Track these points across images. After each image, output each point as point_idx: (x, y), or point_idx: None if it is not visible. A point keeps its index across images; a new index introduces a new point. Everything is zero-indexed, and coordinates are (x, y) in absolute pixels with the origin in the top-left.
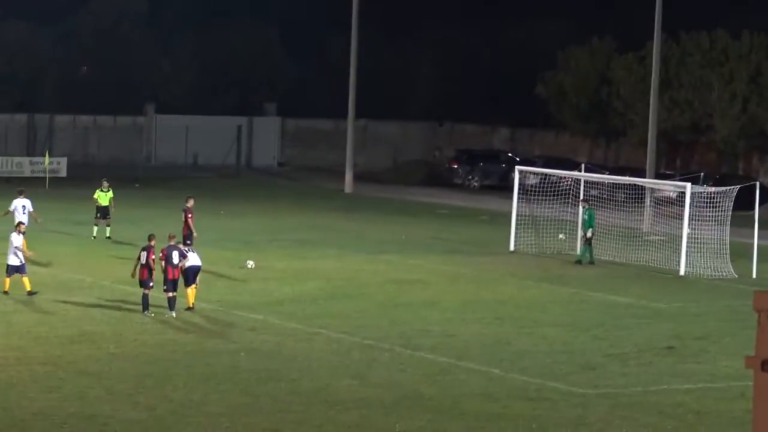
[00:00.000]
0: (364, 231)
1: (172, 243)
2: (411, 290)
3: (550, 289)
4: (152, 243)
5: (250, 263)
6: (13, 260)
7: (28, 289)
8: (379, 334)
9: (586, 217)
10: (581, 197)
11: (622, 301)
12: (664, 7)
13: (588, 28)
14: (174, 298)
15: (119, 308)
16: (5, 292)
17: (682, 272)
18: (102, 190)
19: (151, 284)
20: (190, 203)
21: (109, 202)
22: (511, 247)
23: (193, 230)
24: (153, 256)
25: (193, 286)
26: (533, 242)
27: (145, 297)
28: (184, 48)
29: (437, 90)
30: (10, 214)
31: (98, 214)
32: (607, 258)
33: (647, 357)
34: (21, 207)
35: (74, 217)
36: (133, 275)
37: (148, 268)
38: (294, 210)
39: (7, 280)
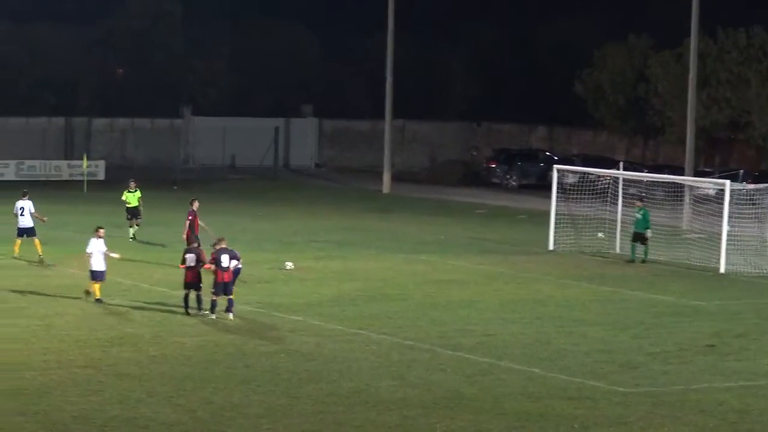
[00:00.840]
0: (402, 231)
1: (223, 246)
2: (450, 290)
3: (590, 288)
4: (195, 244)
5: (289, 264)
6: (97, 265)
7: (97, 296)
8: (419, 334)
9: (639, 216)
10: (636, 196)
11: (662, 300)
12: (700, 4)
13: (624, 25)
14: (217, 301)
15: (159, 310)
16: (98, 300)
17: (722, 270)
18: (130, 191)
19: (200, 286)
20: (195, 206)
21: (138, 201)
22: (550, 247)
23: (194, 230)
24: (207, 263)
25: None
26: (572, 241)
27: (185, 298)
28: (221, 50)
29: (474, 89)
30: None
31: (129, 215)
32: (646, 256)
33: (688, 355)
34: (19, 209)
35: (112, 220)
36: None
37: (196, 270)
38: (332, 211)
39: (95, 285)
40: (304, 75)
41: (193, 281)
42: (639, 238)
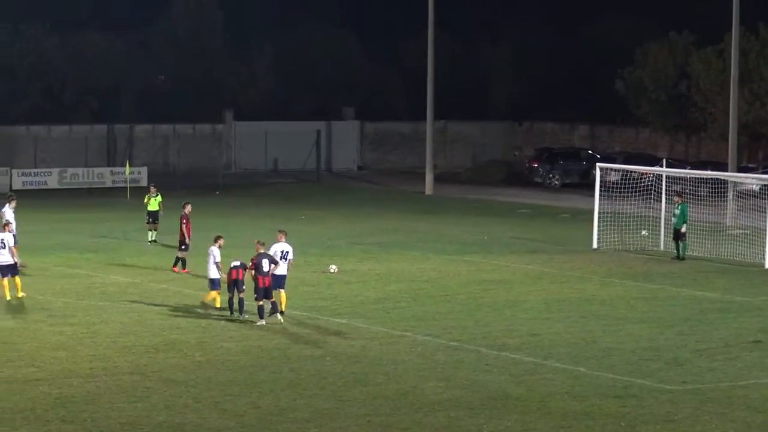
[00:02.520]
0: (445, 232)
1: (262, 251)
2: (494, 290)
3: (635, 285)
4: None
5: (333, 267)
6: (214, 274)
7: (218, 305)
8: (464, 335)
9: (677, 211)
10: (674, 192)
11: (707, 296)
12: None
13: (665, 22)
14: (263, 306)
15: (203, 316)
16: (221, 308)
17: (767, 265)
18: (150, 195)
19: (243, 288)
20: (187, 209)
21: (159, 206)
22: (594, 245)
23: (188, 237)
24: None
25: (282, 291)
26: (616, 239)
27: (230, 301)
28: (262, 54)
29: (516, 89)
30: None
31: (149, 219)
32: (691, 253)
33: (734, 351)
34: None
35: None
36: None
37: (240, 272)
38: (375, 213)
39: (215, 294)
40: (346, 78)
41: (234, 282)
42: (677, 234)
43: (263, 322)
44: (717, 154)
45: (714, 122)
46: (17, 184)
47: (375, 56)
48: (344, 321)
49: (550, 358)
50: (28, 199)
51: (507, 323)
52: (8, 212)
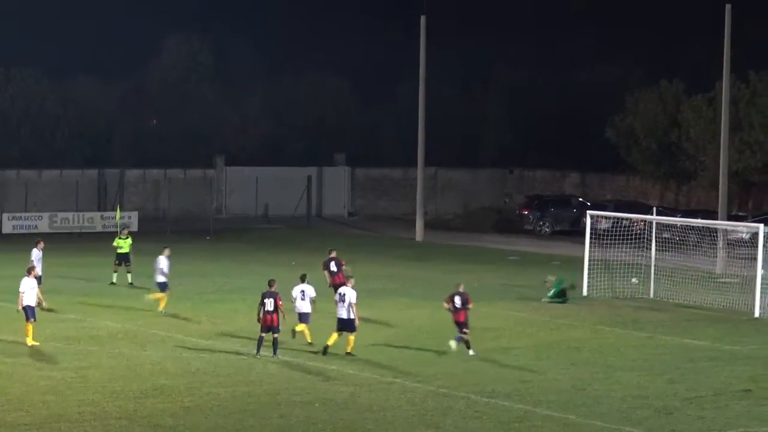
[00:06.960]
0: (436, 279)
1: (460, 289)
2: (484, 337)
3: (625, 333)
4: (273, 288)
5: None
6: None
7: (309, 340)
8: (454, 382)
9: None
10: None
11: (697, 345)
12: (732, 48)
13: (656, 70)
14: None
15: (193, 361)
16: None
17: (756, 314)
18: (121, 238)
19: (278, 329)
20: (332, 255)
21: (129, 248)
22: (584, 292)
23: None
24: (280, 302)
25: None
26: (606, 287)
27: (268, 340)
28: (253, 99)
29: (506, 136)
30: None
31: (117, 261)
32: (681, 301)
33: (724, 400)
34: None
35: (146, 270)
36: (259, 320)
37: (277, 313)
38: (365, 259)
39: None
40: (336, 123)
41: (271, 325)
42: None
43: (472, 352)
44: (707, 202)
45: (704, 170)
46: (7, 228)
47: (366, 102)
48: (334, 367)
49: (540, 406)
50: (18, 243)
51: (496, 370)
52: (36, 255)
